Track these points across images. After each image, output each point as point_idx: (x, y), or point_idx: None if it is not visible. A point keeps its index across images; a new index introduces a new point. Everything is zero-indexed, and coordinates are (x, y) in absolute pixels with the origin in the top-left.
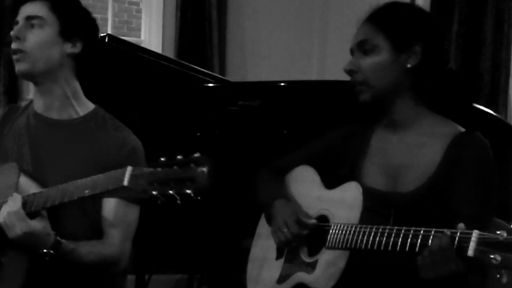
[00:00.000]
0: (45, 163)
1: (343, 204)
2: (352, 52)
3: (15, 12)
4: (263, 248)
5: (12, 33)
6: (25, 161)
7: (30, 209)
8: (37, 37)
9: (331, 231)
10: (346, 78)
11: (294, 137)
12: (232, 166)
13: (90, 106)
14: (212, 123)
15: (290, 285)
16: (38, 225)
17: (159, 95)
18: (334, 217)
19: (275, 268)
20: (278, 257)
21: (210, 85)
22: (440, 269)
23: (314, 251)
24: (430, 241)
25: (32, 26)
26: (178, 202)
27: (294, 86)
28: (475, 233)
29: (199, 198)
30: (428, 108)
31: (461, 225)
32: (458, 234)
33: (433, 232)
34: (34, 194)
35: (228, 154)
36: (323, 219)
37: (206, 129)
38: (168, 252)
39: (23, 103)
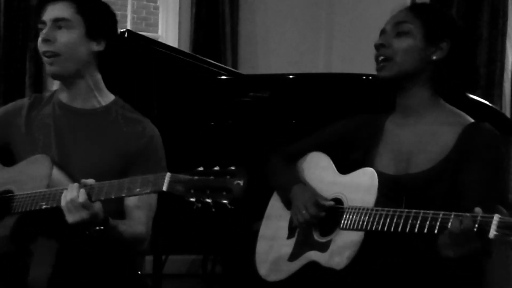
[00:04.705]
0: (69, 150)
1: (358, 189)
2: (383, 32)
3: (40, 10)
4: (274, 228)
5: (41, 36)
6: (51, 150)
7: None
8: (65, 38)
9: (345, 213)
10: (351, 71)
11: (302, 127)
12: (243, 154)
13: (111, 96)
14: (225, 113)
15: (301, 263)
16: (95, 211)
17: (175, 87)
18: (348, 201)
19: (286, 246)
20: (289, 236)
21: (223, 77)
22: (460, 248)
23: (326, 231)
24: (450, 224)
25: (60, 28)
26: (213, 210)
27: (302, 78)
28: (496, 217)
29: (232, 207)
30: (442, 99)
31: (478, 209)
32: (479, 217)
33: (452, 215)
34: (91, 186)
35: (239, 142)
36: (337, 202)
37: (219, 118)
38: (183, 234)
39: (47, 94)
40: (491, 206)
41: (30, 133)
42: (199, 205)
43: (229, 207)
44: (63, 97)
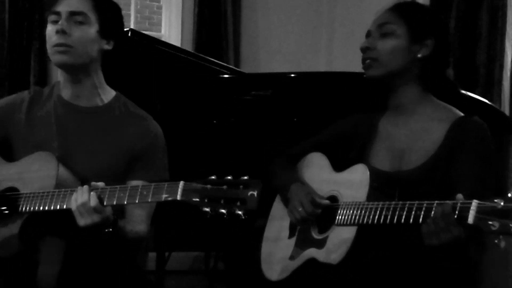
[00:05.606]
0: (72, 148)
1: (351, 185)
2: (368, 34)
3: (55, 1)
4: (277, 229)
5: (56, 27)
6: (53, 147)
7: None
8: (81, 33)
9: (340, 209)
10: (352, 70)
11: (303, 124)
12: (246, 152)
13: (112, 93)
14: (227, 111)
15: (301, 261)
16: (107, 214)
17: (178, 86)
18: (343, 197)
19: (287, 246)
20: (290, 236)
21: (226, 76)
22: (442, 235)
23: (324, 228)
24: (432, 212)
25: (76, 21)
26: (226, 217)
27: (304, 77)
28: (474, 202)
29: (246, 217)
30: (432, 95)
31: (459, 196)
32: (459, 204)
33: (435, 203)
34: (102, 189)
35: (241, 140)
36: (333, 200)
37: (222, 117)
38: (186, 231)
39: (46, 88)
40: (484, 198)
41: (31, 129)
42: (213, 214)
43: (243, 217)
44: (66, 94)
